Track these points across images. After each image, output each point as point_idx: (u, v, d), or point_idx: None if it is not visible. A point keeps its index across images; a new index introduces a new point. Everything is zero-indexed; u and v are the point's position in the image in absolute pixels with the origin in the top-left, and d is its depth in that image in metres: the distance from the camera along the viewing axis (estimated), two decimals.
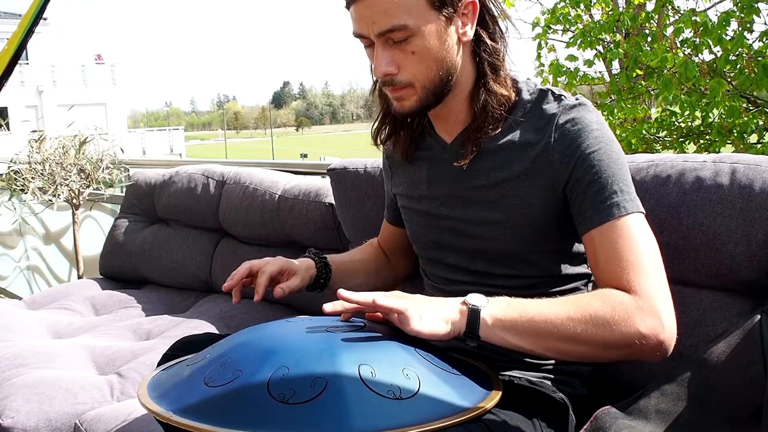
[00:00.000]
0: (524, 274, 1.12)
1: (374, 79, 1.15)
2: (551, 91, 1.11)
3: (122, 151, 3.21)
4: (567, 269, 1.14)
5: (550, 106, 1.08)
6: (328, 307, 0.94)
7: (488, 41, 1.08)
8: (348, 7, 1.05)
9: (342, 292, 0.94)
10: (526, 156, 1.07)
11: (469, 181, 1.12)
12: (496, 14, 1.10)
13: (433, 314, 0.94)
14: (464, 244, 1.15)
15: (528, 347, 0.97)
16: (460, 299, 0.98)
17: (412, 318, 0.92)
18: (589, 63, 6.65)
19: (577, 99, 1.09)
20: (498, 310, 0.96)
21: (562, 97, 1.09)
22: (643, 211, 1.03)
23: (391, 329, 0.95)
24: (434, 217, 1.18)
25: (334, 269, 1.25)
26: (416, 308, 0.94)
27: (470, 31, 1.07)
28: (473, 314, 0.95)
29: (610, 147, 1.04)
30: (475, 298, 0.97)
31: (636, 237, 0.99)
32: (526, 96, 1.11)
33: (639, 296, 0.95)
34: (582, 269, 1.15)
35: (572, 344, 0.96)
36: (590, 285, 1.18)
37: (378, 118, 1.22)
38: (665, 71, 5.30)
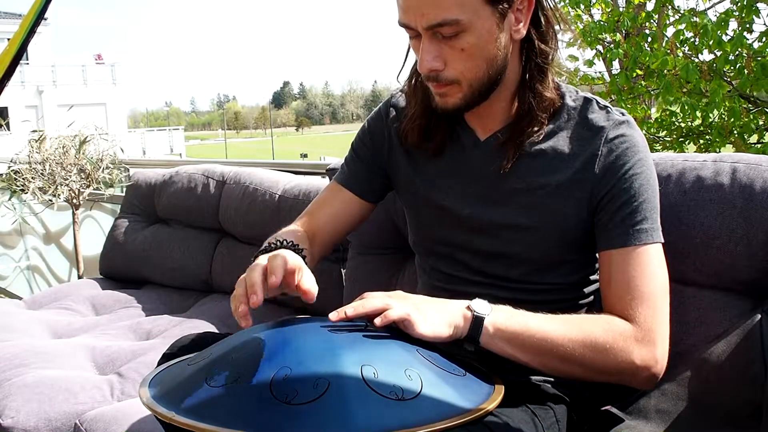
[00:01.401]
0: (539, 280, 1.10)
1: (411, 71, 1.12)
2: (596, 100, 1.08)
3: (122, 151, 3.21)
4: (580, 279, 1.13)
5: (597, 117, 1.06)
6: (333, 315, 0.92)
7: (538, 42, 1.03)
8: None
9: (349, 311, 0.92)
10: (569, 166, 1.05)
11: (502, 182, 1.08)
12: (551, 14, 1.04)
13: (438, 318, 0.94)
14: (482, 245, 1.11)
15: (524, 360, 0.98)
16: (465, 303, 0.97)
17: (416, 322, 0.91)
18: (589, 63, 6.65)
19: (623, 114, 1.07)
20: (501, 320, 0.96)
21: (608, 108, 1.07)
22: (663, 241, 1.03)
23: (393, 329, 0.94)
24: (451, 213, 1.13)
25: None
26: (420, 311, 0.93)
27: (523, 30, 1.01)
28: (477, 321, 0.95)
29: (650, 173, 1.04)
30: (479, 305, 0.96)
31: (653, 268, 1.00)
32: (569, 102, 1.08)
33: (640, 328, 0.98)
34: (594, 277, 1.15)
35: (568, 364, 0.98)
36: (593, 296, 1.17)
37: (412, 114, 1.14)
38: (665, 72, 5.30)
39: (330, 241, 1.24)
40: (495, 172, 1.08)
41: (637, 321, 0.98)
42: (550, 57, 1.05)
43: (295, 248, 1.05)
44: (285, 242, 1.06)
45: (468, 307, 0.96)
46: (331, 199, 1.25)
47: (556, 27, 1.07)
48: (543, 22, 1.03)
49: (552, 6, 1.04)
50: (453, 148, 1.14)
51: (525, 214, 1.07)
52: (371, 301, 0.93)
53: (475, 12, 0.96)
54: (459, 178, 1.12)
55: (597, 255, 1.07)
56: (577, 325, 0.98)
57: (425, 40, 0.98)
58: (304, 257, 1.04)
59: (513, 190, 1.07)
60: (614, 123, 1.05)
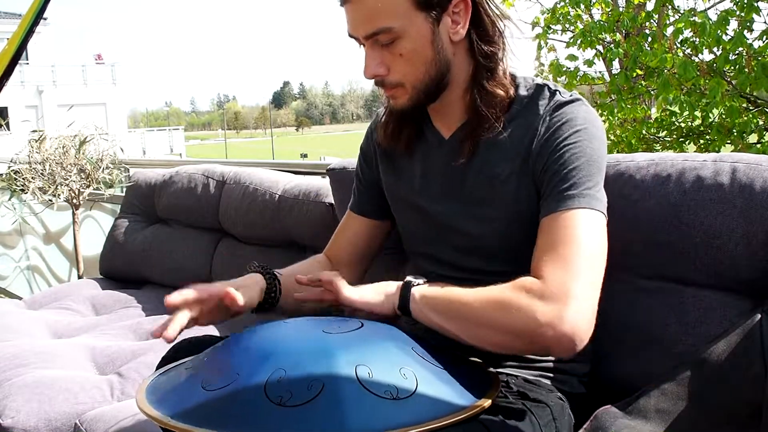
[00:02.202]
0: (517, 269, 1.10)
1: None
2: (548, 86, 1.09)
3: (122, 151, 3.21)
4: None
5: (543, 102, 1.07)
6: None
7: (479, 43, 1.06)
8: (342, 5, 1.05)
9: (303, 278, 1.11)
10: (516, 153, 1.07)
11: (465, 178, 1.11)
12: (493, 13, 1.07)
13: (369, 286, 1.03)
14: (458, 240, 1.14)
15: (448, 328, 0.99)
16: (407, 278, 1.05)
17: (341, 286, 1.02)
18: (589, 63, 6.65)
19: (572, 95, 1.07)
20: (429, 289, 1.02)
21: (557, 92, 1.08)
22: (601, 210, 1.00)
23: (388, 329, 0.95)
24: (428, 213, 1.16)
25: (283, 284, 1.17)
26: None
27: (462, 30, 1.05)
28: (405, 289, 1.02)
29: (588, 143, 1.02)
30: (415, 277, 1.04)
31: (577, 232, 0.96)
32: (522, 92, 1.09)
33: (547, 285, 0.92)
34: None
35: (483, 329, 0.96)
36: None
37: (385, 113, 1.21)
38: (665, 71, 5.30)
39: (355, 261, 1.32)
40: (455, 168, 1.12)
41: (546, 278, 0.93)
42: (498, 56, 1.07)
43: (265, 272, 1.16)
44: (260, 266, 1.17)
45: (405, 280, 1.04)
46: (346, 225, 1.34)
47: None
48: (486, 23, 1.06)
49: (493, 6, 1.06)
50: (422, 147, 1.18)
51: (486, 206, 1.10)
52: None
53: (408, 19, 1.01)
54: (429, 177, 1.16)
55: None
56: (490, 288, 0.97)
57: (367, 48, 1.05)
58: (275, 280, 1.15)
59: (474, 183, 1.10)
60: (556, 104, 1.06)
